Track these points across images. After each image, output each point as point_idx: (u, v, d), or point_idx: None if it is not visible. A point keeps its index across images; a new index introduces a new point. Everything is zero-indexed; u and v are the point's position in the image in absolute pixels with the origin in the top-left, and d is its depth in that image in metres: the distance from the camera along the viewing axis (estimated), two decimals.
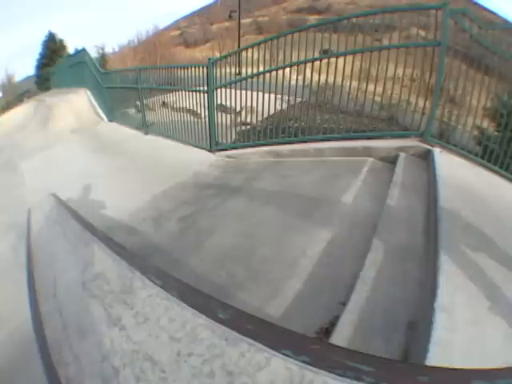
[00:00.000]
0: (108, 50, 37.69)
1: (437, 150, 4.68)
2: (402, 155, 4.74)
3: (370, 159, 4.89)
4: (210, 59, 6.59)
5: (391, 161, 4.74)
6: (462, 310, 2.28)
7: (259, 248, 3.47)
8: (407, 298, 2.58)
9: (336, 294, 2.74)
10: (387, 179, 4.18)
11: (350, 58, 5.13)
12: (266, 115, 6.22)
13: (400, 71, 5.14)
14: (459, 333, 2.11)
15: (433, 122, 4.83)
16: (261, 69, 5.74)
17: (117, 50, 40.94)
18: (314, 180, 4.63)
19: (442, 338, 2.02)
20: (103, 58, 33.02)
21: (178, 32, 46.91)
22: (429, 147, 4.74)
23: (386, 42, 5.09)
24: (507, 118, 4.97)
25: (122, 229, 4.34)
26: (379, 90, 5.44)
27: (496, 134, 5.39)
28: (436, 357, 1.88)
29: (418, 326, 2.31)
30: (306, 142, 5.59)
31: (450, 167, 4.27)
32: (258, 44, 5.64)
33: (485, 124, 5.34)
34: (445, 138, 4.94)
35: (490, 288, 2.56)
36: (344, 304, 2.52)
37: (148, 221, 4.50)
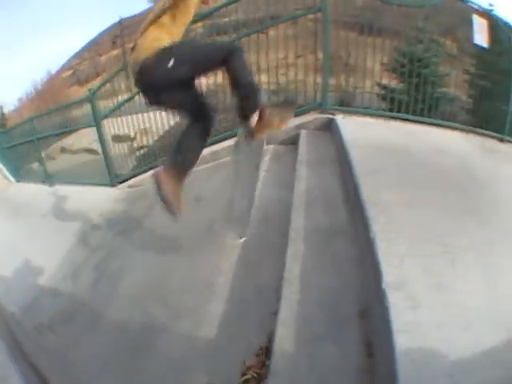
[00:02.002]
0: (10, 107, 36.01)
1: (339, 117, 4.57)
2: (303, 132, 4.58)
3: (271, 146, 4.68)
4: (90, 90, 6.11)
5: (293, 142, 4.58)
6: (416, 280, 2.05)
7: (171, 277, 3.28)
8: (347, 283, 2.34)
9: (267, 304, 2.46)
10: (292, 161, 4.00)
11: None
12: (161, 133, 6.02)
13: (288, 52, 5.16)
14: (423, 308, 1.87)
15: (327, 90, 4.77)
16: None
17: (17, 105, 39.25)
18: (216, 185, 4.45)
19: (406, 321, 1.76)
20: (3, 117, 31.63)
21: (71, 72, 45.58)
22: (330, 116, 4.63)
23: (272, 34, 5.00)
24: (409, 64, 5.24)
25: (48, 294, 4.15)
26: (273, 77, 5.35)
27: (399, 84, 5.68)
28: (405, 346, 1.64)
29: (372, 314, 2.07)
30: None
31: (356, 130, 4.17)
32: None
33: (386, 80, 5.56)
34: (346, 104, 5.00)
35: (436, 245, 2.36)
36: (276, 314, 2.22)
37: (67, 278, 4.28)
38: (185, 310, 2.83)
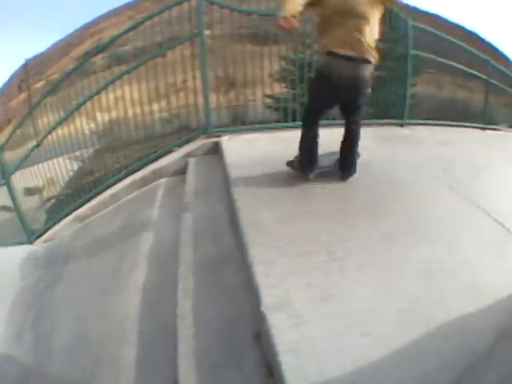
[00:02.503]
0: None
1: (224, 139, 4.51)
2: (192, 160, 4.45)
3: (163, 180, 4.53)
4: None
5: (184, 171, 4.40)
6: (299, 296, 2.00)
7: (92, 326, 3.12)
8: (239, 309, 2.25)
9: (172, 342, 2.24)
10: (183, 192, 3.85)
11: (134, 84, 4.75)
12: (66, 180, 5.74)
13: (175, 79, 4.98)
14: (310, 323, 1.82)
15: (210, 115, 4.67)
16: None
17: None
18: (115, 231, 4.23)
19: (290, 340, 1.72)
20: None
21: None
22: (216, 139, 4.56)
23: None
24: (298, 71, 5.14)
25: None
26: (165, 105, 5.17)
27: (289, 92, 5.68)
28: (294, 365, 1.60)
29: (263, 336, 1.98)
30: (104, 191, 5.11)
31: (240, 149, 4.15)
32: (36, 105, 5.27)
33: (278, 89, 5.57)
34: (240, 120, 4.98)
35: (320, 255, 2.34)
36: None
37: (13, 341, 3.89)
38: (106, 357, 2.70)
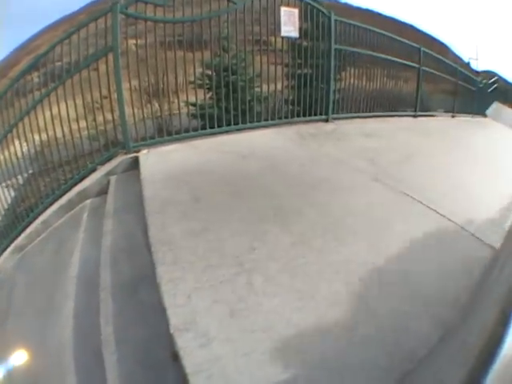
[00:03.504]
0: None
1: (143, 153, 4.46)
2: (113, 178, 4.37)
3: (88, 201, 4.41)
4: None
5: (106, 191, 4.28)
6: (206, 314, 1.94)
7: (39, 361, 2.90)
8: (156, 330, 2.18)
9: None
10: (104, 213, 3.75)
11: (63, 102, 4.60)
12: (3, 211, 5.53)
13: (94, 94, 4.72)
14: (218, 342, 1.77)
15: (125, 129, 4.61)
16: None
17: None
18: (48, 259, 4.07)
19: (199, 362, 1.67)
20: None
21: None
22: (135, 155, 4.48)
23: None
24: (216, 76, 5.18)
25: None
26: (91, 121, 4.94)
27: (208, 98, 5.55)
28: None
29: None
30: (36, 218, 4.91)
31: (157, 163, 4.11)
32: None
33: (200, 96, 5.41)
34: (165, 130, 4.88)
35: (229, 268, 2.29)
36: None
37: None
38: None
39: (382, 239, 2.50)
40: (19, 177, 5.37)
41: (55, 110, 4.63)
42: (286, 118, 5.51)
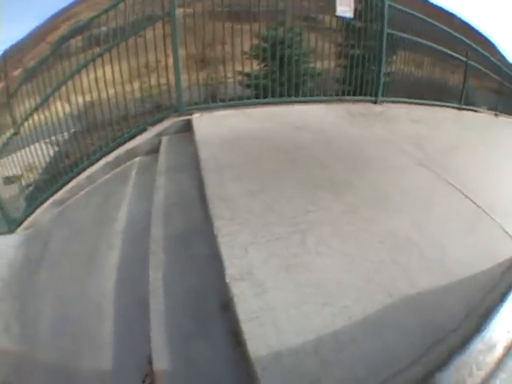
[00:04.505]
0: None
1: (195, 117, 4.63)
2: (165, 139, 4.53)
3: (137, 159, 4.60)
4: None
5: (157, 149, 4.47)
6: (262, 266, 2.07)
7: (73, 307, 3.19)
8: (207, 281, 2.33)
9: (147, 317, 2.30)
10: (155, 171, 3.90)
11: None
12: (44, 166, 5.74)
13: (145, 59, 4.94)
14: (272, 292, 1.89)
15: (181, 93, 4.80)
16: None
17: None
18: (92, 213, 4.30)
19: (252, 309, 1.78)
20: None
21: None
22: (188, 117, 4.65)
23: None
24: (271, 48, 5.31)
25: None
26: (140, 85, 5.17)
27: (262, 69, 5.76)
28: (257, 333, 1.66)
29: (230, 304, 2.01)
30: (80, 173, 5.12)
31: (211, 126, 4.25)
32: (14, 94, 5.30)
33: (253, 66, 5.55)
34: (214, 97, 5.05)
35: (285, 227, 2.41)
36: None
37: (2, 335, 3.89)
38: (85, 335, 2.77)
39: (424, 218, 2.58)
40: (61, 135, 5.57)
41: (100, 73, 4.79)
42: (337, 95, 5.60)
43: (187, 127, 4.54)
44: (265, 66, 5.68)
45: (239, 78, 5.65)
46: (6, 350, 3.70)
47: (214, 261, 2.35)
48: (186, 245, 2.68)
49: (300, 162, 3.27)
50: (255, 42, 5.60)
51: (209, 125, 4.24)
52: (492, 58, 8.24)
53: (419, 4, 8.94)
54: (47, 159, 5.72)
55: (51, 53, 5.03)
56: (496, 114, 8.29)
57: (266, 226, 2.37)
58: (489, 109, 8.47)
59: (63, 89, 4.88)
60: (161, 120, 4.82)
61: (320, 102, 5.28)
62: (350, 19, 5.67)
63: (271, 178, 2.99)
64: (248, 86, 5.45)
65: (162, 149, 4.30)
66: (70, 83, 4.78)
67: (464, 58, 7.32)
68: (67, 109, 5.18)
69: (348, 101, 5.54)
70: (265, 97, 5.12)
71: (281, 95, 5.17)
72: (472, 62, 7.50)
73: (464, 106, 7.43)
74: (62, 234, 4.50)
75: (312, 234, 2.30)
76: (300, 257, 2.11)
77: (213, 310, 2.10)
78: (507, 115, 8.43)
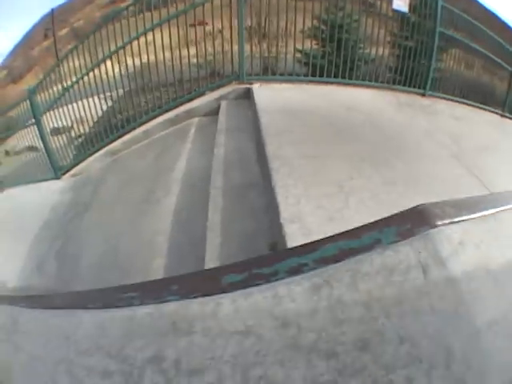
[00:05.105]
0: None
1: (255, 86, 5.04)
2: (224, 103, 4.98)
3: (196, 119, 5.06)
4: (28, 90, 6.10)
5: (216, 112, 4.91)
6: (310, 215, 2.42)
7: (121, 245, 3.60)
8: (259, 225, 2.73)
9: (199, 253, 2.70)
10: (215, 130, 4.31)
11: (169, 29, 5.16)
12: (96, 119, 6.16)
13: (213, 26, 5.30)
14: (315, 235, 1.99)
15: (243, 62, 5.22)
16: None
17: None
18: (148, 162, 4.74)
19: None
20: None
21: (5, 72, 43.60)
22: (248, 86, 5.09)
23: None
24: (329, 30, 5.69)
25: (18, 291, 4.27)
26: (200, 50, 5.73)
27: (319, 49, 6.22)
28: None
29: (278, 245, 2.42)
30: (135, 128, 5.66)
31: (270, 96, 4.61)
32: (72, 50, 5.60)
33: (307, 45, 5.94)
34: (271, 70, 5.48)
35: (331, 187, 2.77)
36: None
37: (34, 272, 4.45)
38: (134, 269, 3.10)
39: None
40: (115, 92, 6.01)
41: (158, 37, 5.17)
42: (388, 83, 5.94)
43: (246, 95, 4.97)
44: (322, 46, 6.10)
45: (298, 55, 6.11)
46: (34, 288, 4.08)
47: (267, 210, 2.79)
48: (244, 194, 3.08)
49: (348, 137, 3.65)
50: (315, 23, 6.00)
51: (268, 95, 4.62)
52: None
53: (467, 2, 9.05)
54: (99, 113, 6.15)
55: (108, 19, 5.57)
56: None
57: (316, 184, 2.75)
58: None
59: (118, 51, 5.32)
60: (220, 86, 5.25)
61: (371, 87, 5.66)
62: (405, 13, 5.99)
63: (323, 146, 3.36)
64: (306, 63, 5.83)
65: (222, 111, 4.71)
66: (133, 43, 5.20)
67: (509, 67, 7.48)
68: (122, 68, 5.62)
69: (397, 90, 5.89)
70: (320, 76, 5.49)
71: (335, 76, 5.54)
72: None
73: (507, 114, 7.59)
74: (114, 180, 4.93)
75: (353, 196, 2.67)
76: (342, 212, 2.47)
77: (261, 248, 2.47)
78: None
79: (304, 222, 2.33)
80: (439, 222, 1.22)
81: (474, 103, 6.83)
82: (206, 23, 5.07)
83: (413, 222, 1.25)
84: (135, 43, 5.20)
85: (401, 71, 6.11)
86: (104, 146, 5.92)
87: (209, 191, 3.18)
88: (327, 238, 1.29)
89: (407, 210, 1.36)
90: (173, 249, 3.07)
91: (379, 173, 3.10)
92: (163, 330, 1.10)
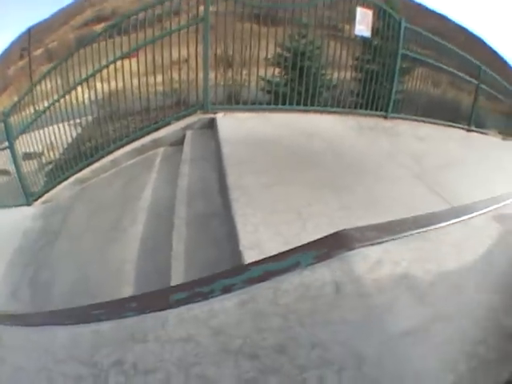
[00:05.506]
0: None
1: (219, 116, 5.28)
2: (189, 132, 5.19)
3: (162, 149, 5.26)
4: (3, 113, 6.20)
5: (181, 142, 5.12)
6: (268, 241, 2.63)
7: (91, 273, 3.73)
8: (221, 253, 2.90)
9: (165, 282, 2.82)
10: (179, 160, 4.50)
11: (137, 56, 5.42)
12: (66, 146, 6.27)
13: (179, 55, 5.57)
14: None
15: (207, 93, 5.46)
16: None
17: None
18: (116, 191, 4.90)
19: None
20: None
21: None
22: (212, 116, 5.32)
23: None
24: (292, 58, 6.00)
25: None
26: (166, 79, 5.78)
27: (282, 77, 6.50)
28: None
29: None
30: (103, 157, 5.77)
31: (233, 126, 4.88)
32: (45, 75, 5.76)
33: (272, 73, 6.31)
34: (235, 98, 5.68)
35: (289, 214, 2.98)
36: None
37: (9, 298, 4.41)
38: (104, 296, 3.06)
39: None
40: (84, 119, 6.18)
41: (126, 64, 5.37)
42: (350, 107, 6.23)
43: (211, 124, 5.18)
44: (285, 74, 6.36)
45: (261, 83, 6.31)
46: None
47: (229, 238, 2.95)
48: (207, 224, 3.25)
49: (308, 164, 3.87)
50: (278, 50, 6.30)
51: (231, 125, 4.86)
52: (504, 83, 8.70)
53: (436, 19, 9.43)
54: (69, 140, 6.23)
55: (85, 44, 5.58)
56: (504, 138, 8.75)
57: (275, 212, 2.95)
58: (499, 132, 8.89)
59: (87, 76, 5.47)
60: (186, 115, 5.46)
61: (332, 112, 5.94)
62: (368, 38, 6.34)
63: (283, 175, 3.56)
64: (268, 91, 6.19)
65: (187, 141, 4.93)
66: (99, 74, 5.44)
67: (475, 81, 7.83)
68: (91, 94, 5.80)
69: (359, 114, 6.19)
70: (283, 103, 5.79)
71: (297, 103, 5.81)
72: (483, 86, 8.00)
73: (472, 128, 7.94)
74: (83, 209, 5.04)
75: (311, 222, 2.86)
76: (299, 237, 2.65)
77: None
78: None
79: (262, 248, 2.52)
80: (358, 245, 1.47)
81: (438, 121, 7.15)
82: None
83: (331, 245, 1.50)
84: (109, 69, 5.41)
85: (363, 95, 6.41)
86: (73, 174, 6.00)
87: (173, 221, 3.36)
88: (255, 261, 1.62)
89: (327, 236, 1.63)
90: (140, 277, 3.22)
91: (338, 198, 3.31)
92: (124, 339, 1.39)
